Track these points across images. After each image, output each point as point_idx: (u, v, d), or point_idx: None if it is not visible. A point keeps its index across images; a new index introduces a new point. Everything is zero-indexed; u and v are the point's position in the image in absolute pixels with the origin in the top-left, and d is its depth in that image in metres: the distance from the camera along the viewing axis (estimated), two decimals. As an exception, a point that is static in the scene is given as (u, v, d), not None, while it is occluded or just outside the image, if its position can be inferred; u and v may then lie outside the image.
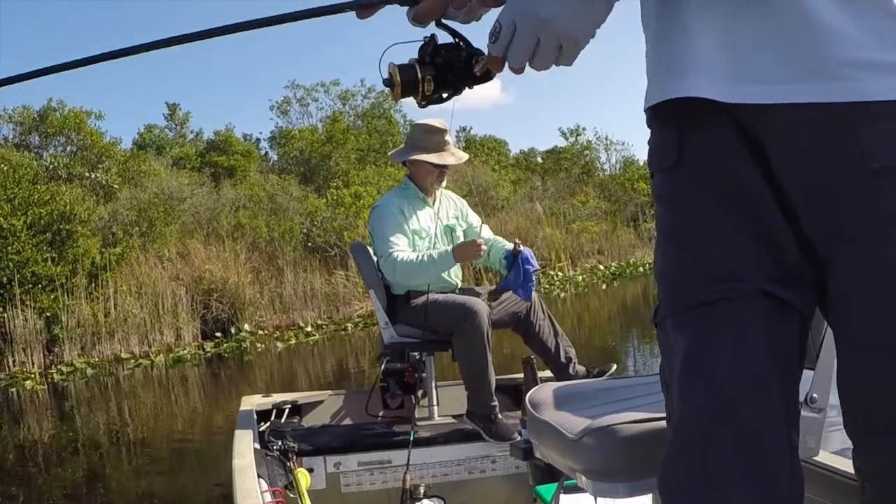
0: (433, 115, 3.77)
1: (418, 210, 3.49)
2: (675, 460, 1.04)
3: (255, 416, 3.23)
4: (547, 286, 15.08)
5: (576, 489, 1.98)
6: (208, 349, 11.25)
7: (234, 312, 12.20)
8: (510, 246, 3.33)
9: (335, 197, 15.10)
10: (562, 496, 2.13)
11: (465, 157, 3.66)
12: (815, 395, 1.66)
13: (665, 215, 1.11)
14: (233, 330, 11.98)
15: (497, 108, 46.38)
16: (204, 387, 9.02)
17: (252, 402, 3.43)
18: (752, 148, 1.01)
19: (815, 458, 1.95)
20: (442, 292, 3.38)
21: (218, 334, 11.85)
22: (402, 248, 3.33)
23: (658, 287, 1.12)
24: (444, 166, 3.49)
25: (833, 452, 2.17)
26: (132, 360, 10.72)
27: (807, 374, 1.70)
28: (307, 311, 12.80)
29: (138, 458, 5.95)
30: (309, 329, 12.09)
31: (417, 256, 3.31)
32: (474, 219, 3.68)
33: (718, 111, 1.01)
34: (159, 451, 6.09)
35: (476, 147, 27.88)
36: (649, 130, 1.15)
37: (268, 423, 3.26)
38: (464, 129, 30.17)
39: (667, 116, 1.09)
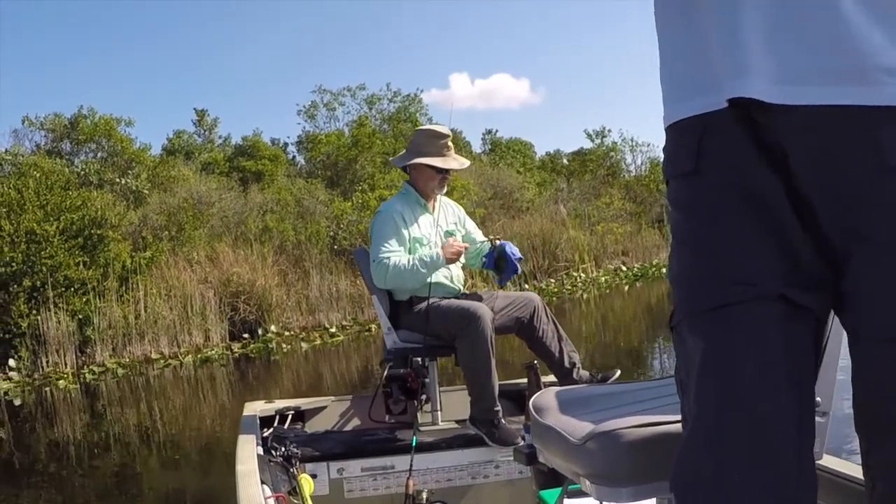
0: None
1: (419, 216, 3.47)
2: (687, 458, 1.06)
3: (258, 422, 3.22)
4: (570, 287, 15.07)
5: (580, 494, 1.92)
6: (236, 350, 11.39)
7: (261, 314, 12.32)
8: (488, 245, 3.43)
9: (361, 200, 15.18)
10: (566, 501, 2.08)
11: (467, 163, 3.67)
12: (818, 398, 1.69)
13: (681, 220, 1.13)
14: (260, 331, 12.09)
15: (526, 107, 46.30)
16: (231, 386, 9.15)
17: (255, 408, 3.41)
18: (769, 152, 1.02)
19: (820, 462, 1.90)
20: (444, 297, 3.37)
21: (245, 335, 11.98)
22: (394, 252, 3.32)
23: (674, 291, 1.13)
24: (447, 171, 3.48)
25: (837, 456, 2.19)
26: (162, 361, 10.90)
27: None
28: (333, 313, 12.88)
29: (168, 455, 6.07)
30: (333, 330, 12.19)
31: (408, 260, 3.30)
32: (471, 225, 3.69)
33: (738, 116, 1.03)
34: (188, 449, 6.21)
35: (502, 149, 27.85)
36: (665, 136, 1.17)
37: (271, 429, 3.24)
38: (489, 131, 30.20)
39: (685, 122, 1.10)
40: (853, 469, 2.11)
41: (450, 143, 3.52)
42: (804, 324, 1.05)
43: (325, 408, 3.57)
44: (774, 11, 0.99)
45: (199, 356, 11.06)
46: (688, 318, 1.09)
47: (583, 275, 16.15)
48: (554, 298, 13.78)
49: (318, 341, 11.50)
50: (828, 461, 2.05)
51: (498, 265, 3.41)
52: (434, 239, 3.46)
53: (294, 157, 24.39)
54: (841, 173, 0.98)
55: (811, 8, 0.97)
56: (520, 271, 3.40)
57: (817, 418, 1.71)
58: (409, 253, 3.36)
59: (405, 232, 3.38)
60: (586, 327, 10.73)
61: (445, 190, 3.58)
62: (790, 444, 1.01)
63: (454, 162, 3.51)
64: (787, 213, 1.03)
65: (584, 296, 14.31)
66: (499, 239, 3.36)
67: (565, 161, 27.57)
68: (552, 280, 15.72)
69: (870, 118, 0.96)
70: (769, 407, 1.01)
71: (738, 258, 1.04)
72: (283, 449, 2.98)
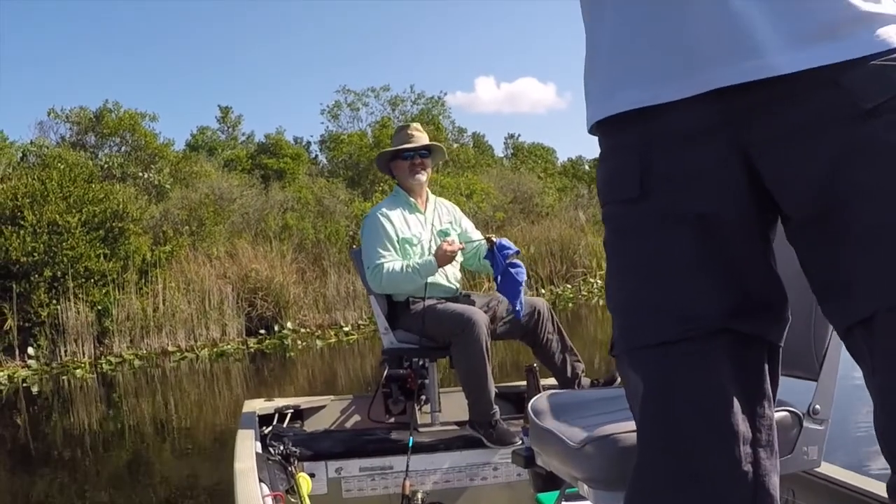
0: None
1: (409, 217, 3.47)
2: (634, 483, 1.03)
3: (257, 420, 3.22)
4: (586, 293, 15.05)
5: (577, 497, 1.92)
6: (252, 345, 11.47)
7: (278, 310, 12.39)
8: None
9: (381, 201, 15.22)
10: (563, 504, 2.08)
11: (425, 138, 3.57)
12: (817, 406, 1.67)
13: (624, 246, 1.05)
14: (276, 327, 12.17)
15: (552, 112, 46.30)
16: (246, 381, 9.20)
17: (254, 406, 3.41)
18: (729, 156, 0.95)
19: (817, 470, 1.92)
20: (442, 298, 3.34)
21: (262, 331, 12.05)
22: (388, 259, 3.32)
23: (614, 319, 1.07)
24: (414, 155, 3.47)
25: (836, 464, 2.18)
26: (178, 354, 11.02)
27: (809, 386, 1.69)
28: (349, 311, 12.91)
29: (181, 447, 6.12)
30: (348, 328, 12.26)
31: (402, 267, 3.29)
32: (468, 224, 3.67)
33: (696, 110, 0.96)
34: (201, 440, 6.24)
35: (524, 154, 27.85)
36: (601, 145, 1.09)
37: (270, 428, 3.25)
38: (511, 136, 30.20)
39: (625, 139, 1.03)
40: (851, 477, 2.10)
41: (412, 132, 3.54)
42: (754, 351, 1.00)
43: (324, 407, 3.57)
44: None
45: (215, 350, 11.15)
46: (629, 352, 1.03)
47: (600, 281, 16.10)
48: (570, 304, 13.77)
49: (333, 339, 11.56)
50: (826, 469, 2.04)
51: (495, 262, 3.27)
52: (426, 238, 3.44)
53: (316, 156, 24.56)
54: (823, 137, 0.91)
55: None
56: (523, 279, 3.18)
57: (816, 426, 1.72)
58: (399, 253, 3.36)
59: (393, 233, 3.37)
60: (602, 334, 10.70)
61: (426, 177, 3.54)
62: (738, 483, 0.96)
63: (411, 142, 3.51)
64: (743, 232, 0.98)
65: (601, 302, 14.26)
66: (494, 237, 3.25)
67: (587, 167, 27.48)
68: (569, 285, 15.70)
69: (834, 72, 0.90)
70: (713, 449, 0.96)
71: (683, 291, 0.98)
72: (281, 447, 2.98)
